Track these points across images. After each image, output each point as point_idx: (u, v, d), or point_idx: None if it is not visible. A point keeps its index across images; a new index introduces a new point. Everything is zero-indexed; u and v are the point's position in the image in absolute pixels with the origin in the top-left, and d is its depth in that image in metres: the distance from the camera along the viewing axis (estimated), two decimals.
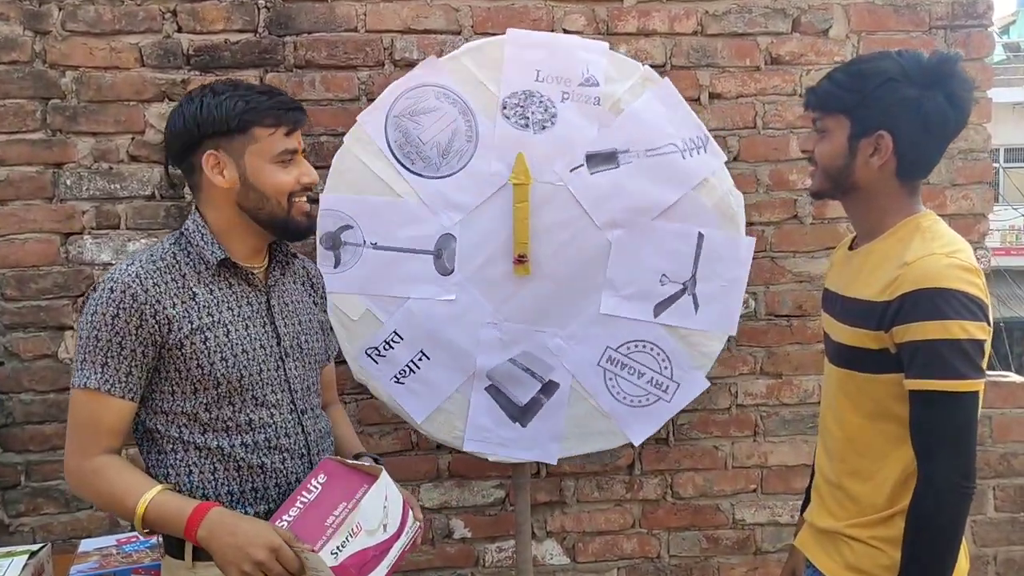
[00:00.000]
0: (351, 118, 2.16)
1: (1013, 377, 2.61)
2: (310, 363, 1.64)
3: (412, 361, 2.12)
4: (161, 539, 1.51)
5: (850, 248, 1.63)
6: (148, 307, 1.42)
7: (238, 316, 1.52)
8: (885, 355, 1.45)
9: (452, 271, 2.08)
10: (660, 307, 2.16)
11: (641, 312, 2.14)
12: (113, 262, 2.24)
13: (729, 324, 2.19)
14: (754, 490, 2.55)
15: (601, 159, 2.08)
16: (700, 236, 2.14)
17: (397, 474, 2.39)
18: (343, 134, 2.16)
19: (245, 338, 1.51)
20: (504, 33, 2.18)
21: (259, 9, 2.26)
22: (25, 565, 1.67)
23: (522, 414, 2.15)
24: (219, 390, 1.47)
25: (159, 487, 1.42)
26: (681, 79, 2.37)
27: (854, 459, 1.54)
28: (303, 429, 1.59)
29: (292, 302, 1.63)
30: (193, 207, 1.56)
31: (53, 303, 2.27)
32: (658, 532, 2.54)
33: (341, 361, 2.12)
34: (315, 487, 1.47)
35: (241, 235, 1.54)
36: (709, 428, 2.52)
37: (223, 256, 1.50)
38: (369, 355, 2.11)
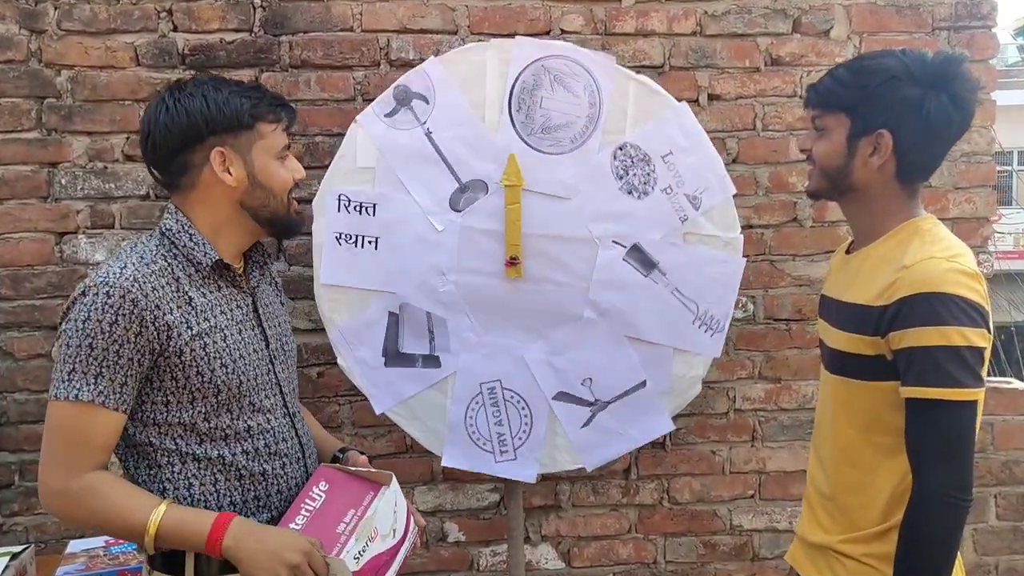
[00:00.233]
0: (347, 118, 2.15)
1: (1015, 383, 2.57)
2: (291, 365, 1.62)
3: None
4: (147, 554, 1.42)
5: (847, 252, 1.60)
6: (148, 313, 1.35)
7: (232, 320, 1.48)
8: (881, 362, 1.42)
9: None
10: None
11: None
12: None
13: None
14: (752, 496, 2.52)
15: (640, 261, 2.09)
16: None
17: None
18: (339, 134, 2.15)
19: (240, 343, 1.48)
20: (501, 32, 2.19)
21: (255, 8, 2.25)
22: (7, 567, 1.66)
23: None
24: (219, 398, 1.42)
25: (165, 501, 1.36)
26: (680, 80, 2.35)
27: (847, 471, 1.50)
28: (296, 433, 1.57)
29: (271, 303, 1.62)
30: (170, 206, 1.50)
31: (47, 302, 2.27)
32: (654, 537, 2.52)
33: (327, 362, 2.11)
34: (319, 495, 1.47)
35: (230, 236, 1.50)
36: (706, 433, 2.49)
37: (217, 257, 1.46)
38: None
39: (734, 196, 2.14)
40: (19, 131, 2.22)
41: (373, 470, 1.54)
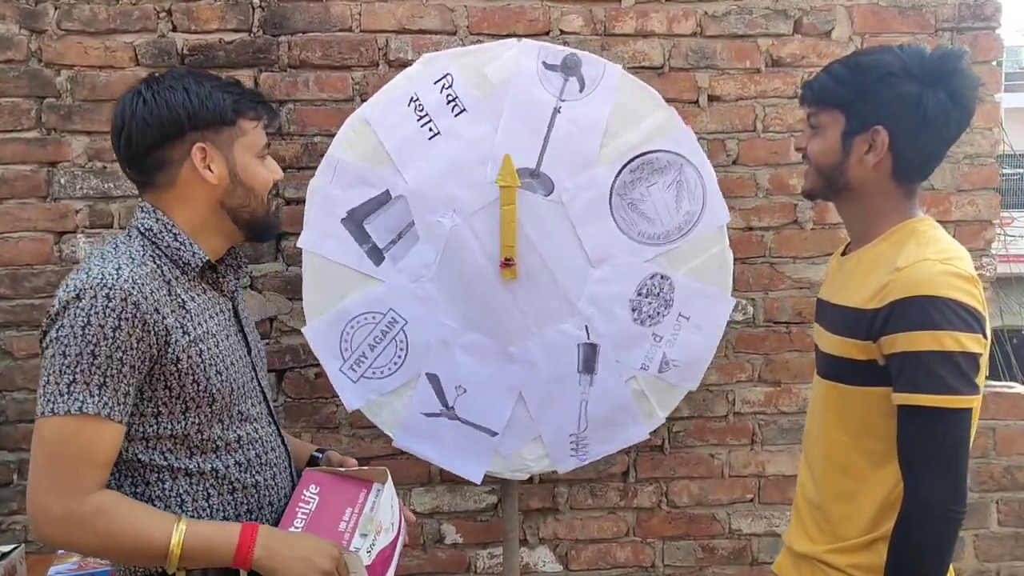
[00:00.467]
0: (345, 118, 2.13)
1: (1017, 388, 2.54)
2: (266, 372, 1.57)
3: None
4: (139, 570, 1.34)
5: (843, 253, 1.56)
6: (150, 317, 1.27)
7: (219, 326, 1.41)
8: (873, 367, 1.38)
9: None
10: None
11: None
12: None
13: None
14: (751, 499, 2.51)
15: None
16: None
17: None
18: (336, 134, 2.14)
19: (228, 349, 1.41)
20: (500, 33, 2.18)
21: (253, 9, 2.25)
22: None
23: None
24: (213, 407, 1.35)
25: (180, 517, 1.28)
26: (680, 81, 2.34)
27: (836, 478, 1.46)
28: (282, 441, 1.53)
29: (245, 308, 1.57)
30: (146, 205, 1.40)
31: (46, 302, 2.27)
32: (652, 541, 2.50)
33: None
34: (311, 497, 1.44)
35: (208, 238, 1.42)
36: (705, 436, 2.47)
37: (206, 258, 1.39)
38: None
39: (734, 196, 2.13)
40: (19, 131, 2.23)
41: (361, 468, 1.53)
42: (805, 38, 2.36)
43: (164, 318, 1.29)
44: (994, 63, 2.44)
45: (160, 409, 1.31)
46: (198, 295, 1.39)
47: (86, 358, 1.22)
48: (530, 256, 2.03)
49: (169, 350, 1.29)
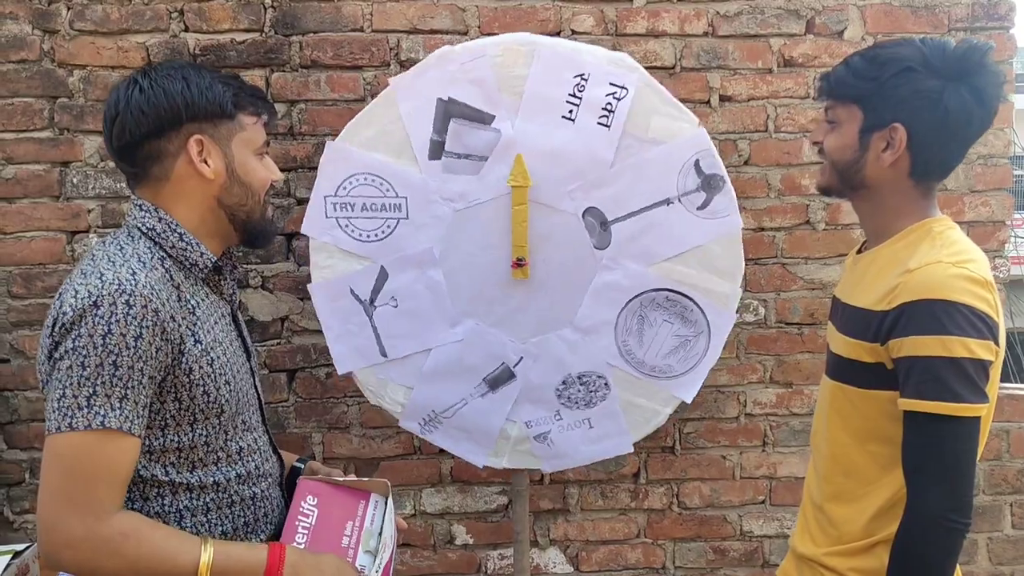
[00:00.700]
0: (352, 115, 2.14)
1: None
2: (260, 377, 1.55)
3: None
4: None
5: (858, 252, 1.54)
6: (168, 324, 1.21)
7: (223, 332, 1.36)
8: (880, 370, 1.35)
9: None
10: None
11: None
12: None
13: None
14: (762, 501, 2.50)
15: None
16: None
17: (398, 478, 2.39)
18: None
19: (233, 356, 1.36)
20: (511, 32, 2.17)
21: (265, 9, 2.25)
22: (8, 565, 1.66)
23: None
24: (221, 418, 1.30)
25: (204, 539, 1.24)
26: (691, 81, 2.33)
27: (840, 480, 1.44)
28: (274, 450, 1.49)
29: (241, 312, 1.56)
30: (144, 203, 1.34)
31: None
32: (663, 542, 2.49)
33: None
34: (310, 510, 1.40)
35: (206, 238, 1.36)
36: (717, 437, 2.46)
37: (214, 259, 1.34)
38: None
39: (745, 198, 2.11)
40: (31, 130, 2.24)
41: (360, 479, 1.50)
42: (817, 38, 2.35)
43: (179, 326, 1.24)
44: (1009, 63, 2.42)
45: (167, 421, 1.25)
46: (203, 299, 1.34)
47: (108, 369, 1.16)
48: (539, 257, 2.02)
49: (182, 360, 1.24)
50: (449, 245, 2.00)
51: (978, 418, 1.27)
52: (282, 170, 2.23)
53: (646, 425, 2.10)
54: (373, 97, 2.26)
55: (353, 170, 1.99)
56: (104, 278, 1.20)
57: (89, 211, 2.27)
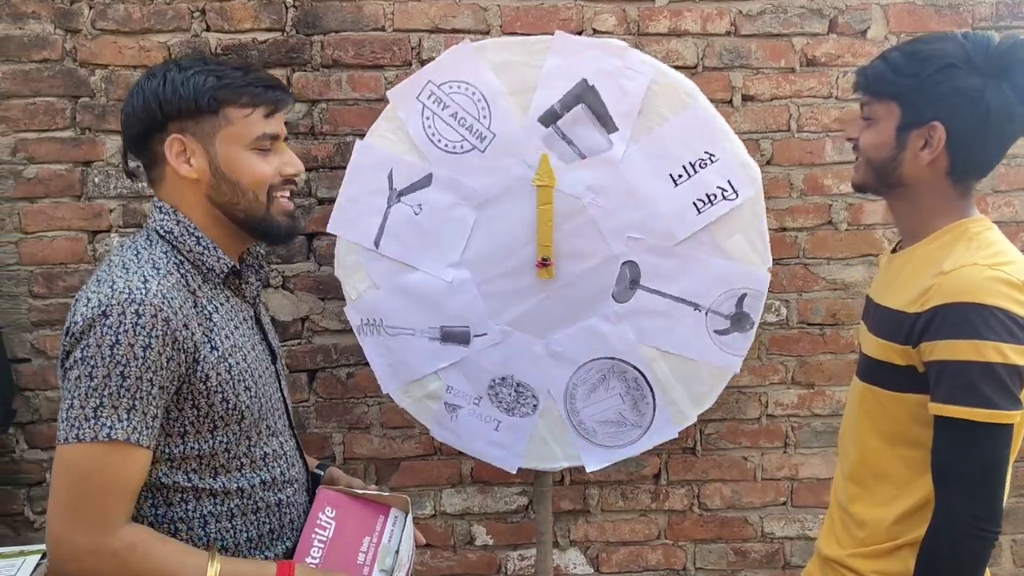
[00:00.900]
0: (377, 118, 2.13)
1: None
2: (288, 380, 1.51)
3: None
4: None
5: (893, 251, 1.51)
6: (180, 333, 1.19)
7: (244, 336, 1.33)
8: (912, 373, 1.32)
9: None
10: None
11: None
12: None
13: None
14: (784, 503, 2.48)
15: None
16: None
17: (418, 479, 2.39)
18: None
19: (255, 360, 1.34)
20: (533, 32, 2.16)
21: (287, 8, 2.25)
22: (38, 565, 1.65)
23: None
24: (242, 425, 1.28)
25: (213, 555, 1.22)
26: (713, 81, 2.32)
27: (869, 483, 1.42)
28: (301, 454, 1.47)
29: (266, 313, 1.51)
30: (164, 205, 1.33)
31: None
32: (684, 544, 2.48)
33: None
34: (327, 522, 1.38)
35: (223, 238, 1.33)
36: (738, 438, 2.45)
37: (232, 264, 1.32)
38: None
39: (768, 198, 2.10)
40: (53, 130, 2.23)
41: (380, 493, 1.47)
42: (840, 37, 2.34)
43: (193, 334, 1.22)
44: None
45: (187, 429, 1.24)
46: (222, 304, 1.31)
47: (115, 380, 1.14)
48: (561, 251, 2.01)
49: (198, 368, 1.22)
50: (495, 204, 2.00)
51: (1011, 425, 1.24)
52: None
53: (540, 462, 2.11)
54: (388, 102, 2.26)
55: (470, 78, 1.98)
56: (115, 286, 1.18)
57: (111, 211, 2.27)
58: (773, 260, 2.17)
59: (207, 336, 1.24)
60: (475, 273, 2.02)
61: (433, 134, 1.99)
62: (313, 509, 1.39)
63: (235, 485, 1.29)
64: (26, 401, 2.30)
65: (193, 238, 1.29)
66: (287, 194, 1.35)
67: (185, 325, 1.20)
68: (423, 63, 2.27)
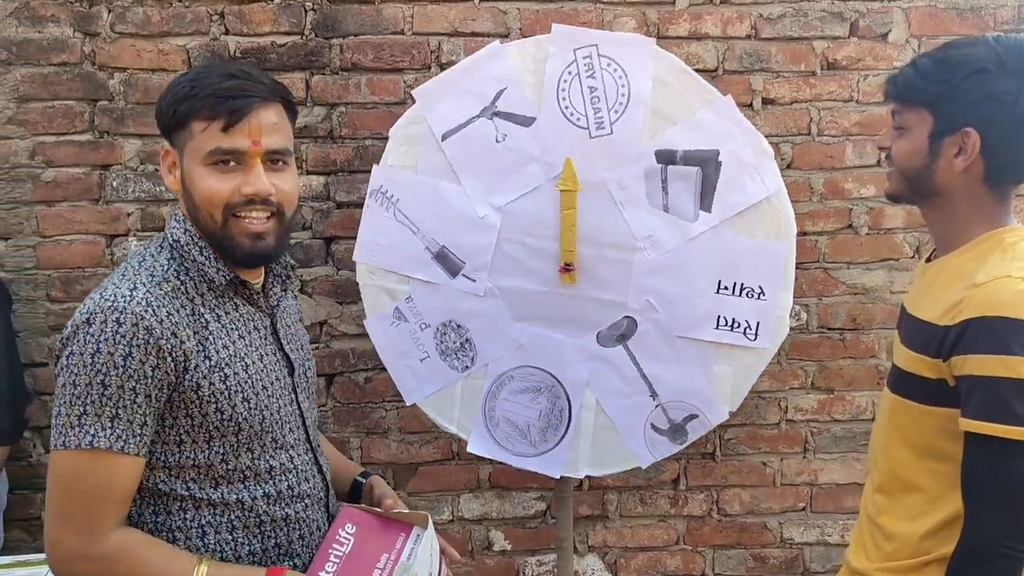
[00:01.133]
0: (396, 121, 2.12)
1: None
2: (313, 393, 1.47)
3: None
4: None
5: (927, 260, 1.48)
6: (165, 341, 1.17)
7: (251, 346, 1.31)
8: (943, 387, 1.30)
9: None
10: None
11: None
12: None
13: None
14: (803, 508, 2.47)
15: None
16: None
17: (436, 484, 2.38)
18: (388, 138, 2.12)
19: (262, 371, 1.31)
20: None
21: (306, 11, 2.24)
22: None
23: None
24: (239, 436, 1.26)
25: (202, 559, 1.21)
26: (733, 84, 2.31)
27: (898, 495, 1.40)
28: (319, 469, 1.42)
29: (293, 323, 1.47)
30: (180, 214, 1.32)
31: None
32: (703, 549, 2.47)
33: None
34: (346, 538, 1.35)
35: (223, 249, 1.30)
36: (757, 443, 2.44)
37: (231, 275, 1.29)
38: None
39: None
40: (72, 133, 2.23)
41: (402, 511, 1.44)
42: (861, 41, 2.33)
43: (183, 342, 1.20)
44: None
45: (183, 438, 1.23)
46: (229, 312, 1.30)
47: (96, 388, 1.14)
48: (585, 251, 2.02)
49: (187, 377, 1.20)
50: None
51: None
52: (321, 173, 2.27)
53: (434, 412, 2.12)
54: (413, 100, 2.25)
55: (630, 70, 1.99)
56: (104, 294, 1.19)
57: (128, 214, 2.26)
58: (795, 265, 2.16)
59: (201, 345, 1.23)
60: (505, 226, 2.02)
61: (563, 90, 2.00)
62: (334, 525, 1.37)
63: (235, 497, 1.26)
64: (43, 405, 2.30)
65: (196, 248, 1.28)
66: (255, 214, 1.26)
67: (173, 334, 1.19)
68: (442, 67, 2.26)
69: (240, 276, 1.31)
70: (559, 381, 2.06)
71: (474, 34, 2.27)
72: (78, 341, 1.16)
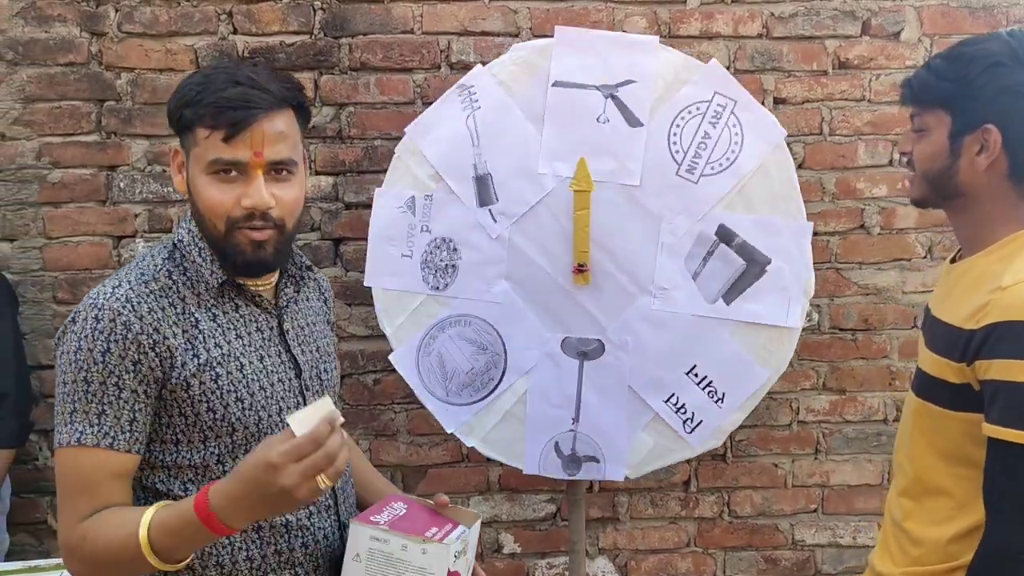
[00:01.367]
0: (406, 121, 2.10)
1: None
2: (329, 394, 1.40)
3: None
4: None
5: (952, 261, 1.45)
6: (146, 337, 1.17)
7: (250, 346, 1.28)
8: (967, 391, 1.27)
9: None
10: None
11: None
12: None
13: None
14: (815, 510, 2.46)
15: None
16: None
17: (445, 486, 2.36)
18: (398, 138, 2.10)
19: (261, 372, 1.28)
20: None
21: (315, 11, 2.22)
22: None
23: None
24: (234, 437, 1.23)
25: (157, 504, 1.15)
26: (745, 83, 2.26)
27: (924, 500, 1.37)
28: None
29: (308, 324, 1.41)
30: (187, 214, 1.31)
31: None
32: (714, 551, 2.46)
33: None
34: (398, 508, 1.34)
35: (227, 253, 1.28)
36: (768, 444, 2.43)
37: (223, 278, 1.27)
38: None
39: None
40: (79, 134, 2.21)
41: (452, 506, 1.41)
42: (873, 40, 2.31)
43: (166, 338, 1.19)
44: None
45: (179, 437, 1.22)
46: (227, 312, 1.28)
47: (80, 386, 1.15)
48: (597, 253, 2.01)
49: (175, 374, 1.19)
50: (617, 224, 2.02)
51: None
52: (330, 174, 2.26)
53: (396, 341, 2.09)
54: (423, 100, 2.24)
55: (747, 120, 2.02)
56: (92, 293, 1.20)
57: (136, 216, 2.25)
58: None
59: (190, 343, 1.21)
60: (553, 196, 2.00)
61: (683, 118, 2.00)
62: (382, 502, 1.36)
63: None
64: (49, 408, 2.27)
65: (196, 249, 1.27)
66: (256, 226, 1.23)
67: (156, 329, 1.18)
68: (451, 66, 2.25)
69: (237, 279, 1.28)
70: (505, 355, 2.04)
71: (484, 33, 2.25)
72: (65, 340, 1.18)
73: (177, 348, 1.19)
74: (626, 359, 2.02)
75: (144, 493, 1.23)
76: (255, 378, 1.26)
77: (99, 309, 1.16)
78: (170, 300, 1.22)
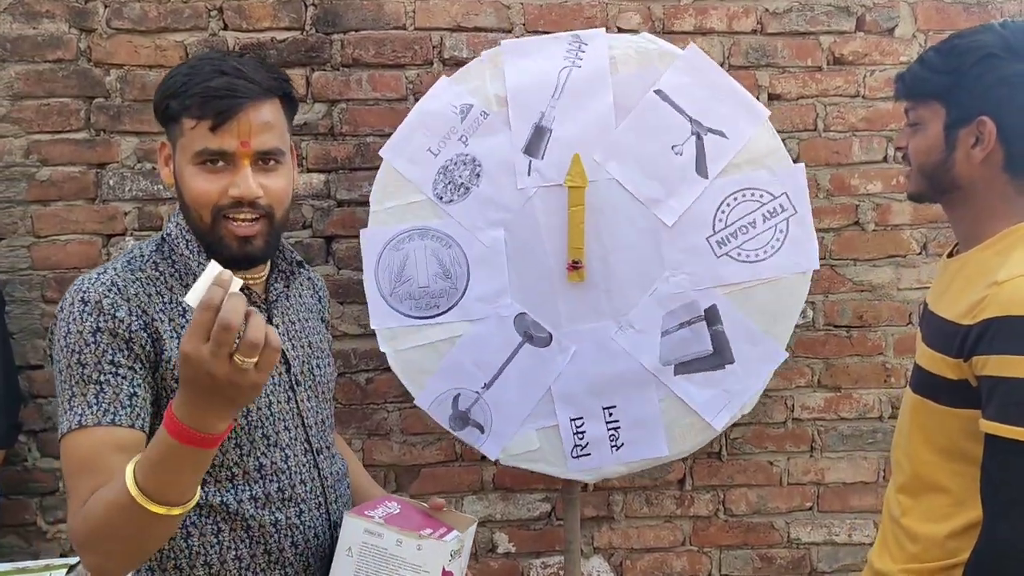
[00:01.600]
0: (398, 118, 2.08)
1: None
2: (322, 393, 1.41)
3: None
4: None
5: (949, 255, 1.44)
6: (135, 318, 1.17)
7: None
8: (964, 387, 1.26)
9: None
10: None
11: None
12: None
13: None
14: (810, 508, 2.45)
15: None
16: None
17: (439, 485, 2.35)
18: (389, 135, 2.08)
19: None
20: (557, 30, 2.13)
21: (306, 6, 2.21)
22: None
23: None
24: None
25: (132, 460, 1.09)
26: (739, 79, 2.25)
27: (922, 497, 1.36)
28: (319, 473, 1.35)
29: (300, 320, 1.41)
30: (176, 208, 1.32)
31: None
32: (709, 550, 2.45)
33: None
34: (392, 507, 1.32)
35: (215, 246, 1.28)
36: (764, 442, 2.42)
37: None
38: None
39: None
40: (67, 131, 2.19)
41: (447, 510, 1.41)
42: (868, 35, 2.31)
43: (154, 320, 1.19)
44: None
45: None
46: None
47: (76, 370, 1.14)
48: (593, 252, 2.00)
49: (164, 357, 1.19)
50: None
51: None
52: (321, 171, 2.24)
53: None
54: (415, 96, 2.22)
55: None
56: (78, 280, 1.22)
57: (125, 214, 2.22)
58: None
59: (176, 332, 1.21)
60: (598, 192, 1.99)
61: (743, 197, 2.02)
62: (376, 501, 1.35)
63: (219, 499, 1.23)
64: (38, 409, 2.25)
65: (183, 241, 1.27)
66: (243, 216, 1.23)
67: (143, 310, 1.19)
68: (444, 62, 2.23)
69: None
70: (464, 294, 2.02)
71: (477, 29, 2.24)
72: (56, 329, 1.19)
73: (164, 331, 1.19)
74: (562, 363, 2.02)
75: None
76: None
77: (84, 292, 1.17)
78: (157, 288, 1.23)
